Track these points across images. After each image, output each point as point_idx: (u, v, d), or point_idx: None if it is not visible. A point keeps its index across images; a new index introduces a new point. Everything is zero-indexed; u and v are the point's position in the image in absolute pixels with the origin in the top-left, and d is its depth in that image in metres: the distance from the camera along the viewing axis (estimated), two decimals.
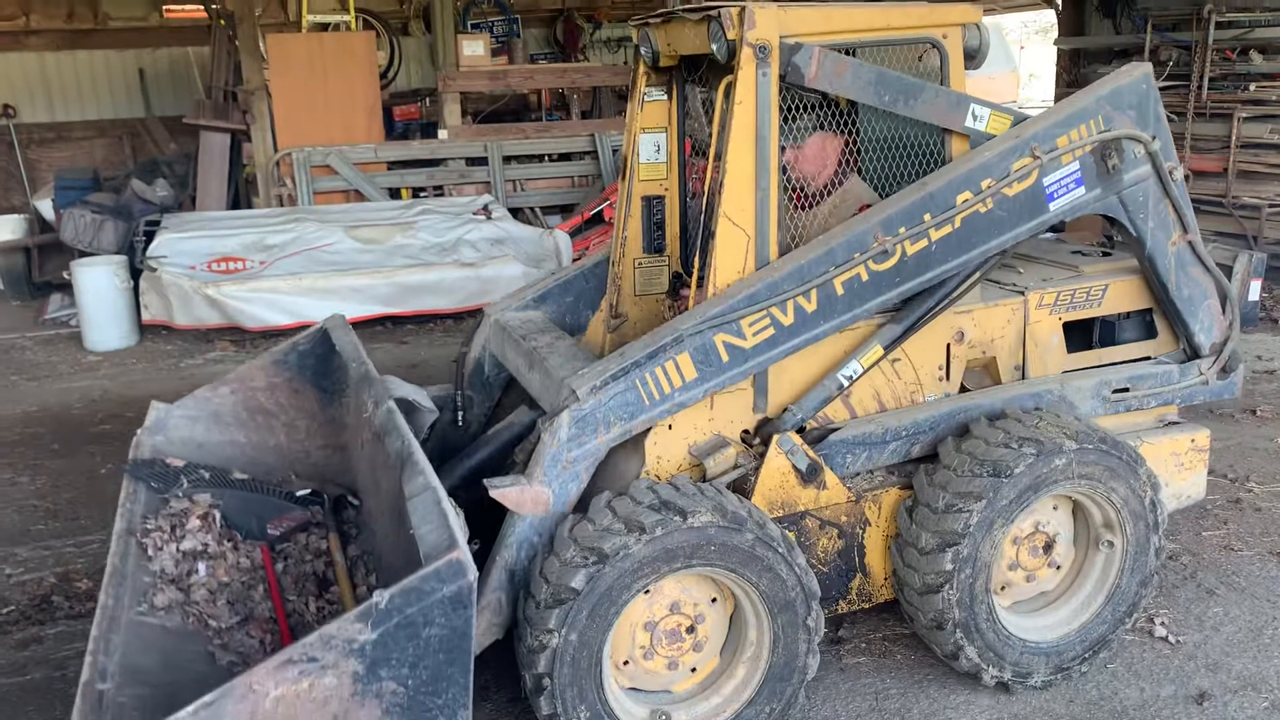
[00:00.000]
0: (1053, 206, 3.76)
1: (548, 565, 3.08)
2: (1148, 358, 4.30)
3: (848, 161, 3.94)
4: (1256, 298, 8.06)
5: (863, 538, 3.73)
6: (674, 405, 3.36)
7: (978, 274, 3.77)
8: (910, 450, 3.77)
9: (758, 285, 3.40)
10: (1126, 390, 4.09)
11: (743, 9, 3.35)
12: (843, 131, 3.84)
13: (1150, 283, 4.14)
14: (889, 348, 3.65)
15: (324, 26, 11.23)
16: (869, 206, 3.82)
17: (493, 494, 3.14)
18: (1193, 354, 4.24)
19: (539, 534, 3.23)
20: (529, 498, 3.17)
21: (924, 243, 3.57)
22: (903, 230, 3.53)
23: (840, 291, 3.49)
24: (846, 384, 3.64)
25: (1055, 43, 12.68)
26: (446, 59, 11.02)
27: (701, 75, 4.10)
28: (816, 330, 3.50)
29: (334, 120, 10.49)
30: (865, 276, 3.51)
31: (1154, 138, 3.86)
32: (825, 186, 3.94)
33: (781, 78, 3.46)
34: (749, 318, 3.39)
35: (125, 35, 14.35)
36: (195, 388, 7.51)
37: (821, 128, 3.85)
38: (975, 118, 3.73)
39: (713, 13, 3.42)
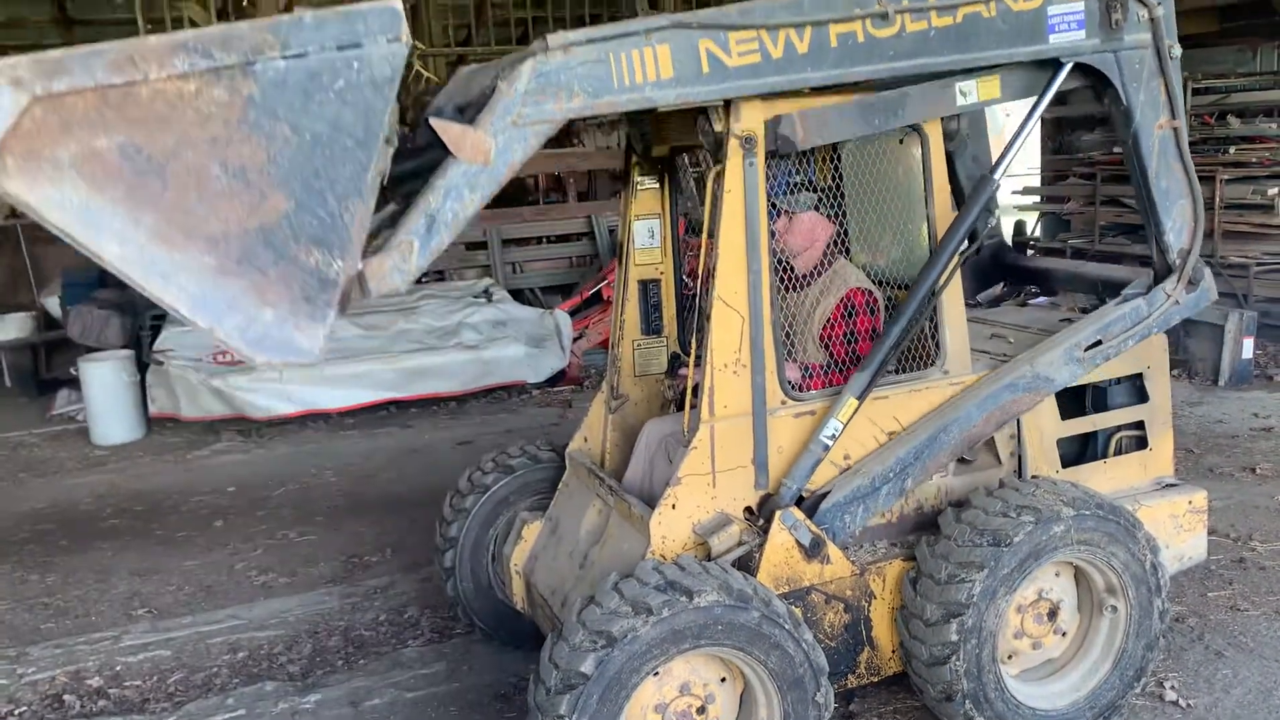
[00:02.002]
0: (1052, 39, 3.72)
1: (557, 650, 3.12)
2: (1140, 422, 4.38)
3: (837, 244, 4.07)
4: (1250, 355, 8.24)
5: (869, 611, 3.76)
6: (641, 99, 3.18)
7: (947, 277, 3.74)
8: (904, 486, 3.76)
9: (754, 5, 3.28)
10: (1099, 343, 4.04)
11: (729, 103, 3.49)
12: (832, 207, 3.99)
13: (1131, 168, 4.06)
14: (861, 396, 3.66)
15: None
16: (858, 291, 3.94)
17: (433, 123, 2.90)
18: (1161, 265, 4.12)
19: (470, 188, 2.95)
20: (470, 141, 2.91)
21: (924, 24, 3.50)
22: (905, 1, 3.45)
23: (834, 43, 3.38)
24: (830, 444, 3.65)
25: None
26: None
27: (694, 157, 4.24)
28: (801, 74, 3.36)
29: None
30: (861, 37, 3.41)
31: (1159, 4, 3.86)
32: (814, 268, 4.07)
33: (772, 154, 3.56)
34: (739, 34, 3.25)
35: None
36: (203, 479, 7.59)
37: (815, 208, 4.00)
38: (964, 94, 3.75)
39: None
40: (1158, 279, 4.12)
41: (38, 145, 2.08)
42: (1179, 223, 4.08)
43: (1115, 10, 3.77)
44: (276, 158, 2.28)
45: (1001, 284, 4.70)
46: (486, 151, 2.91)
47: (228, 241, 2.28)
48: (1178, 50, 3.95)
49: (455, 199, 2.91)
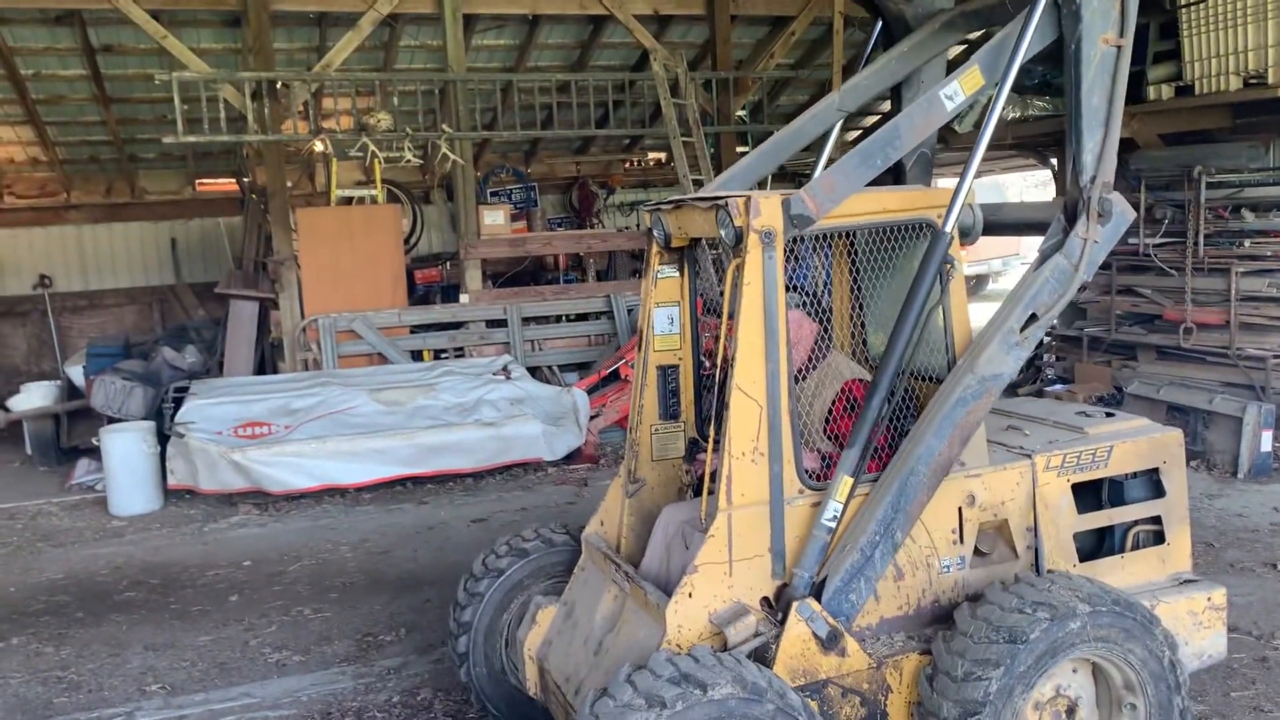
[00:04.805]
0: None
1: None
2: (1157, 517, 4.36)
3: (825, 339, 4.20)
4: (1269, 448, 8.19)
5: (885, 705, 3.73)
6: None
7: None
8: (896, 541, 3.73)
9: None
10: (1035, 317, 3.90)
11: (748, 199, 3.59)
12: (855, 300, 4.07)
13: (1067, 77, 3.98)
14: (855, 474, 3.67)
15: (350, 200, 11.75)
16: (855, 382, 4.01)
17: None
18: (1072, 195, 3.99)
19: None
20: None
21: None
22: None
23: None
24: (833, 526, 3.67)
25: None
26: (468, 227, 11.49)
27: (712, 240, 4.34)
28: None
29: (359, 287, 10.89)
30: None
31: None
32: (808, 361, 4.16)
33: (797, 240, 3.68)
34: None
35: (160, 208, 15.02)
36: (219, 553, 7.61)
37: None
38: (951, 98, 3.81)
39: (721, 202, 3.66)
40: (1070, 220, 3.98)
41: None
42: (1096, 149, 3.98)
43: None
44: None
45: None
46: None
47: None
48: None
49: None
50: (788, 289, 4.13)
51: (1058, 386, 10.51)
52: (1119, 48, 3.95)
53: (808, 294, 4.12)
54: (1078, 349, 10.65)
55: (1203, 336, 9.35)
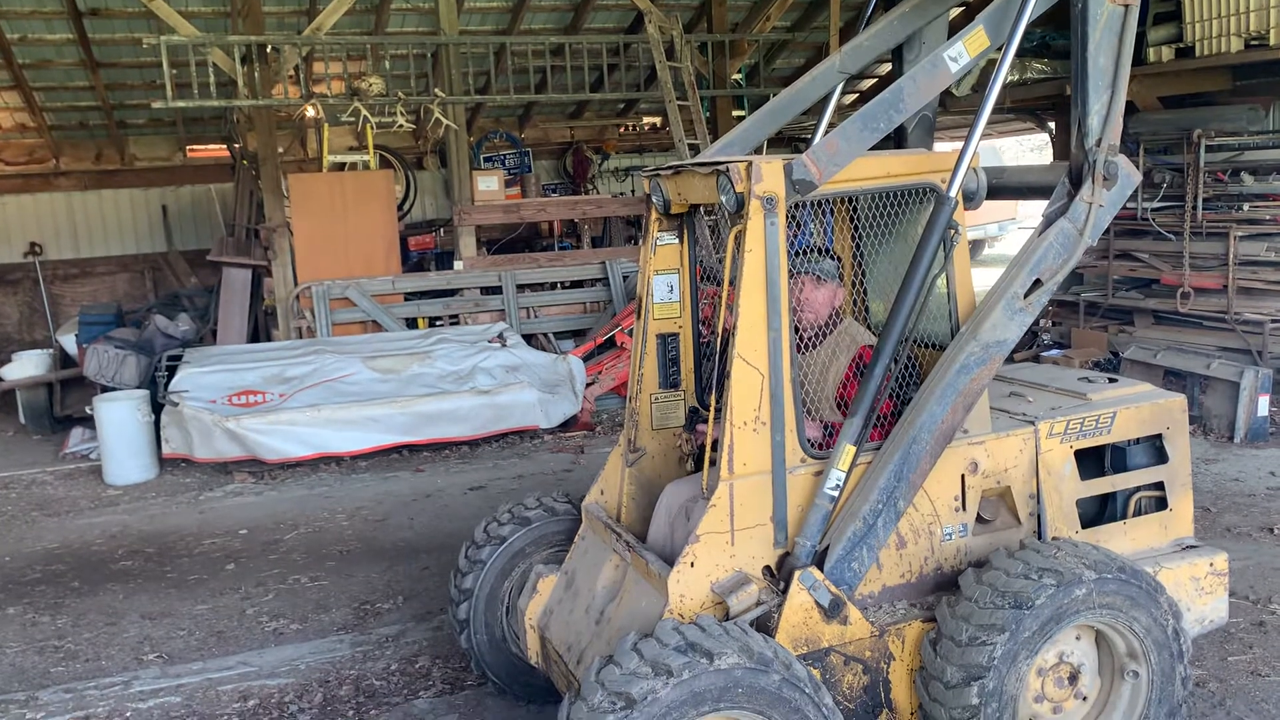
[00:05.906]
0: None
1: (575, 711, 3.09)
2: (1159, 483, 4.35)
3: (841, 306, 4.15)
4: (1266, 412, 8.19)
5: (887, 672, 3.73)
6: None
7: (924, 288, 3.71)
8: (899, 510, 3.71)
9: None
10: (1039, 283, 3.85)
11: (749, 164, 3.53)
12: (855, 267, 4.02)
13: (1073, 38, 3.90)
14: (858, 442, 3.64)
15: (342, 166, 11.62)
16: (867, 348, 3.97)
17: None
18: (1077, 159, 3.91)
19: None
20: None
21: None
22: None
23: None
24: (836, 494, 3.65)
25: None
26: (462, 193, 11.39)
27: (709, 207, 4.28)
28: None
29: (353, 254, 10.81)
30: None
31: None
32: (822, 328, 4.12)
33: (798, 205, 3.62)
34: None
35: (150, 174, 14.85)
36: (215, 521, 7.58)
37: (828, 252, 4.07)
38: (955, 60, 3.75)
39: (722, 167, 3.60)
40: (1075, 184, 3.91)
41: None
42: (1102, 112, 3.89)
43: None
44: None
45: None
46: None
47: None
48: None
49: None
50: (824, 254, 4.10)
51: (1054, 352, 10.49)
52: (1126, 7, 3.87)
53: (838, 257, 4.09)
54: (1074, 314, 10.63)
55: (1200, 301, 9.33)
